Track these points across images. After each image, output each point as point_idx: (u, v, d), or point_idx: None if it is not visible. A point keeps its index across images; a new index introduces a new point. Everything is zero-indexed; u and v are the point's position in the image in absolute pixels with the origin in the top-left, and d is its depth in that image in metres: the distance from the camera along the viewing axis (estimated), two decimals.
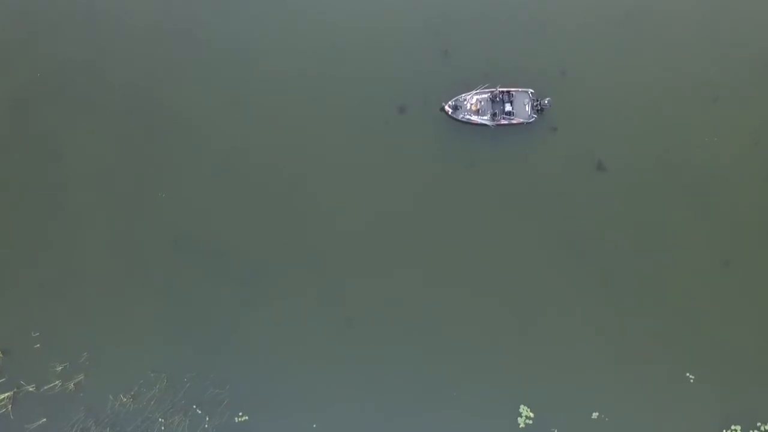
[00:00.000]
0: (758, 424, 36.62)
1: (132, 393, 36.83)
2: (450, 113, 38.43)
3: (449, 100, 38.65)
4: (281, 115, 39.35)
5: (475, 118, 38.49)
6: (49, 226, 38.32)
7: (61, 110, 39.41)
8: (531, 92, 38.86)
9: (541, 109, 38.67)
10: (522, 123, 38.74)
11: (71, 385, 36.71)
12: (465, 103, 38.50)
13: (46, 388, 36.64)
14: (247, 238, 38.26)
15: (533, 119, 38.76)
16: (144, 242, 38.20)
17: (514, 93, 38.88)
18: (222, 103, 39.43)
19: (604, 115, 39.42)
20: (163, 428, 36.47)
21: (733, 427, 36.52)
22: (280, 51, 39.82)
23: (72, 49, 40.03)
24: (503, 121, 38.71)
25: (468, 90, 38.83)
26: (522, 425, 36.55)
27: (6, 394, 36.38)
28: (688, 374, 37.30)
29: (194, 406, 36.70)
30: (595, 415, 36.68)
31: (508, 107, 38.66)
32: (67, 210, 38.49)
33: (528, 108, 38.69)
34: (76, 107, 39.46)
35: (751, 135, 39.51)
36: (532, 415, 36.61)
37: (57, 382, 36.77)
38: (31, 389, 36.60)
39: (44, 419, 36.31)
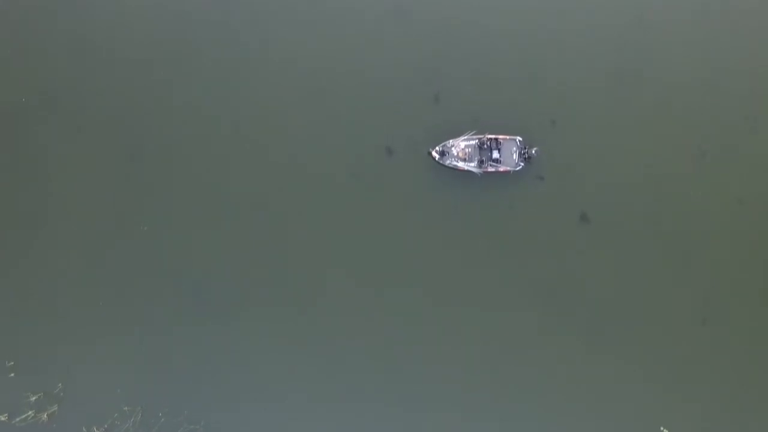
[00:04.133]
0: None
1: (106, 426, 36.83)
2: (437, 159, 38.28)
3: (437, 145, 38.48)
4: (268, 151, 39.10)
5: (461, 165, 38.38)
6: (27, 252, 38.08)
7: (45, 133, 39.03)
8: (519, 140, 38.73)
9: (529, 158, 38.60)
10: (509, 171, 38.65)
11: (45, 416, 36.63)
12: (452, 149, 38.36)
13: (19, 419, 36.54)
14: (228, 274, 38.15)
15: (520, 167, 38.68)
16: (123, 274, 38.01)
17: (502, 141, 38.73)
18: (209, 136, 39.12)
19: (591, 167, 39.33)
20: None
21: None
22: (269, 88, 39.44)
23: (58, 72, 39.59)
24: (490, 169, 38.61)
25: (456, 136, 38.65)
26: None
27: None
28: (662, 428, 37.57)
29: None
30: None
31: (495, 154, 38.55)
32: (45, 237, 38.23)
33: (515, 156, 38.58)
34: (60, 130, 39.07)
35: (736, 192, 39.56)
36: None
37: (30, 412, 36.70)
38: (3, 419, 36.50)
39: None
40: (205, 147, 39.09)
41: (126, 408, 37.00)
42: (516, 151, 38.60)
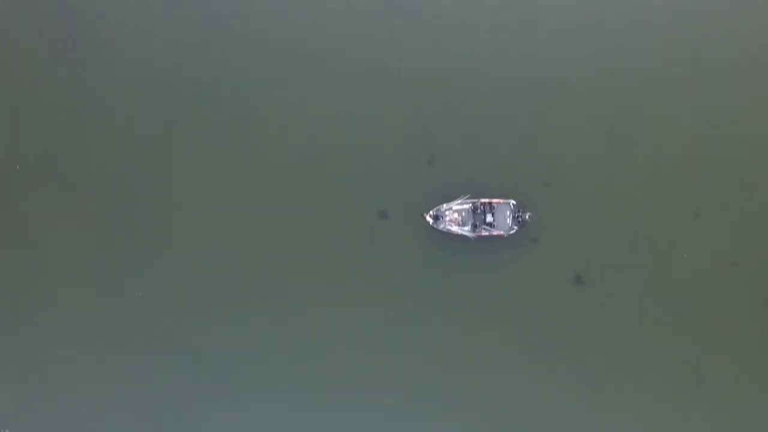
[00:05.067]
0: None
1: None
2: (431, 223, 38.37)
3: (431, 209, 38.56)
4: (262, 216, 39.28)
5: (455, 229, 38.45)
6: (21, 319, 38.33)
7: (39, 200, 39.18)
8: (513, 204, 38.74)
9: (523, 222, 38.67)
10: (503, 235, 38.69)
11: None
12: (446, 213, 38.44)
13: None
14: (223, 338, 38.42)
15: (514, 231, 38.73)
16: (116, 339, 38.26)
17: (495, 204, 38.73)
18: (203, 203, 39.33)
19: (585, 228, 39.43)
20: None
21: None
22: (264, 153, 39.60)
23: (52, 138, 39.71)
24: (483, 233, 38.66)
25: (450, 200, 38.72)
26: None
27: None
28: None
29: None
30: None
31: (489, 218, 38.57)
32: (38, 303, 38.47)
33: (509, 220, 38.61)
34: (54, 197, 39.24)
35: (729, 253, 39.64)
36: None
37: None
38: None
39: None
40: (199, 212, 39.23)
41: None
42: (510, 215, 38.63)
